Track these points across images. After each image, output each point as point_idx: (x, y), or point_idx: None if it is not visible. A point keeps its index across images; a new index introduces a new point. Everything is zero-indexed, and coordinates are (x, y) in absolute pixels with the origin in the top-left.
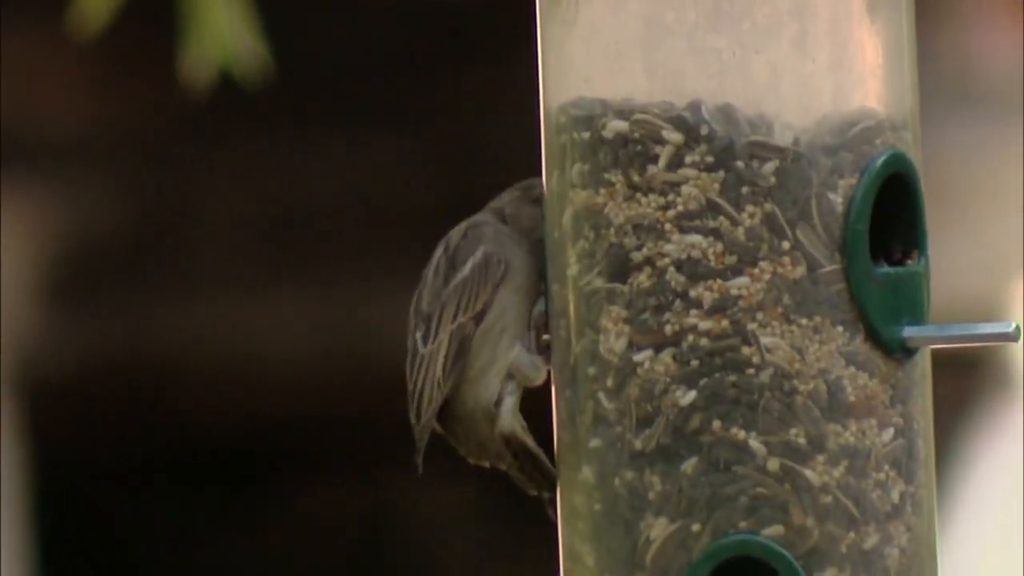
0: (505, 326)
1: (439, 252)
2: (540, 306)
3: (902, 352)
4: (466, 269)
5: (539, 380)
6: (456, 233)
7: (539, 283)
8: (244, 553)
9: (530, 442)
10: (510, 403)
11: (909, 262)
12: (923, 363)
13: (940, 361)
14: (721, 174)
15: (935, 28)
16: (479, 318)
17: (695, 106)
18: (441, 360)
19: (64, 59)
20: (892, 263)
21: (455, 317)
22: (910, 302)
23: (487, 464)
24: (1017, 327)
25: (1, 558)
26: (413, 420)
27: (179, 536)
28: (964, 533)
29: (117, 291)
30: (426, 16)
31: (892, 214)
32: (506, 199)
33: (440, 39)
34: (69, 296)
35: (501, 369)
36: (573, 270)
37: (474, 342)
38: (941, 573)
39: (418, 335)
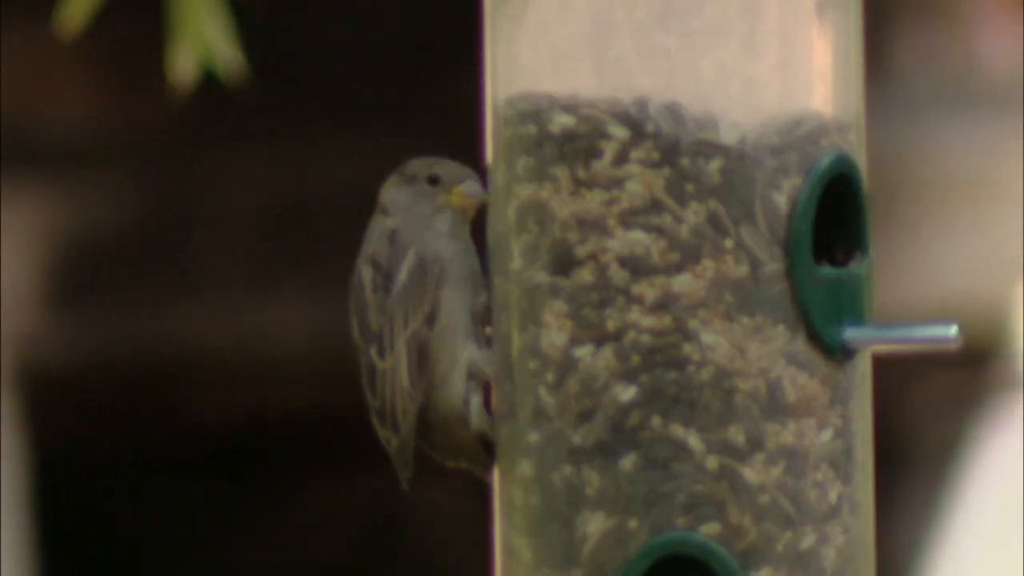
0: (456, 325)
1: (368, 272)
2: (482, 298)
3: (843, 353)
4: (403, 276)
5: (495, 375)
6: (379, 247)
7: (476, 272)
8: (244, 550)
9: None
10: (476, 402)
11: (852, 264)
12: (863, 364)
13: (944, 358)
14: (666, 171)
15: (937, 27)
16: (430, 321)
17: (642, 103)
18: (404, 370)
19: (67, 59)
20: (835, 264)
21: (407, 324)
22: (852, 303)
23: (464, 466)
24: (957, 331)
25: (1, 553)
26: (388, 436)
27: (179, 532)
28: (967, 529)
29: (118, 288)
30: (425, 14)
31: (836, 215)
32: (384, 193)
33: (439, 34)
34: (69, 293)
35: (462, 368)
36: (516, 264)
37: (432, 346)
38: (944, 567)
39: (372, 351)
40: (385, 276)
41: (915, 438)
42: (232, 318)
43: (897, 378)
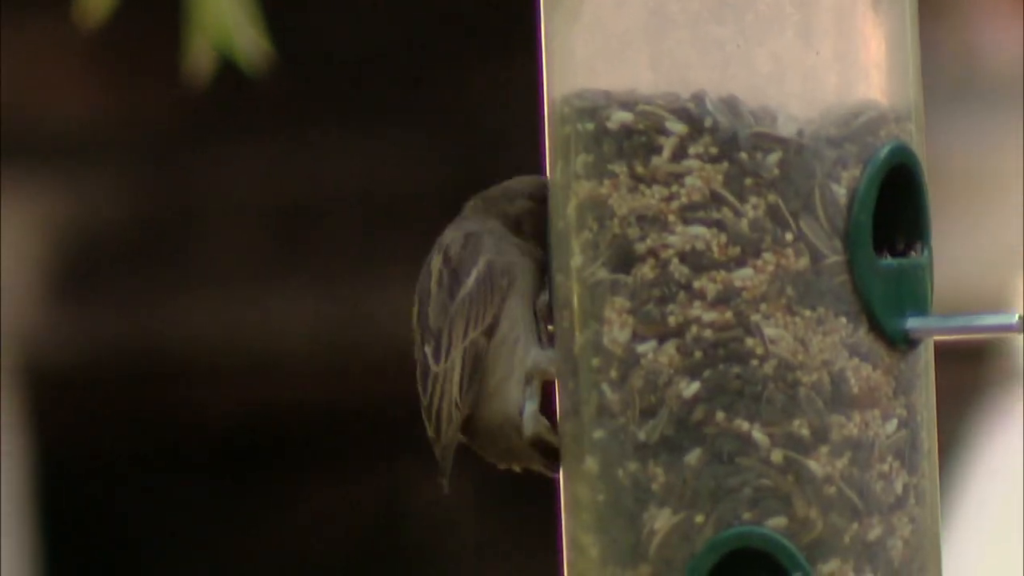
0: (518, 336)
1: (438, 262)
2: (544, 296)
3: (905, 343)
4: (471, 282)
5: (557, 373)
6: (455, 243)
7: (543, 282)
8: (247, 546)
9: (555, 440)
10: (531, 408)
11: (912, 254)
12: (926, 355)
13: (944, 352)
14: (725, 165)
15: (937, 20)
16: (490, 332)
17: (699, 97)
18: (456, 379)
19: (68, 52)
20: (895, 255)
21: (466, 334)
22: (913, 293)
23: (517, 468)
24: (1020, 318)
25: (3, 551)
26: (432, 436)
27: (181, 529)
28: (967, 524)
29: (121, 283)
30: (431, 8)
31: (895, 206)
32: (519, 206)
33: (445, 31)
34: (73, 287)
35: (519, 378)
36: (577, 261)
37: (489, 357)
38: (945, 565)
39: (427, 350)
40: (452, 275)
41: None
42: (235, 314)
43: None
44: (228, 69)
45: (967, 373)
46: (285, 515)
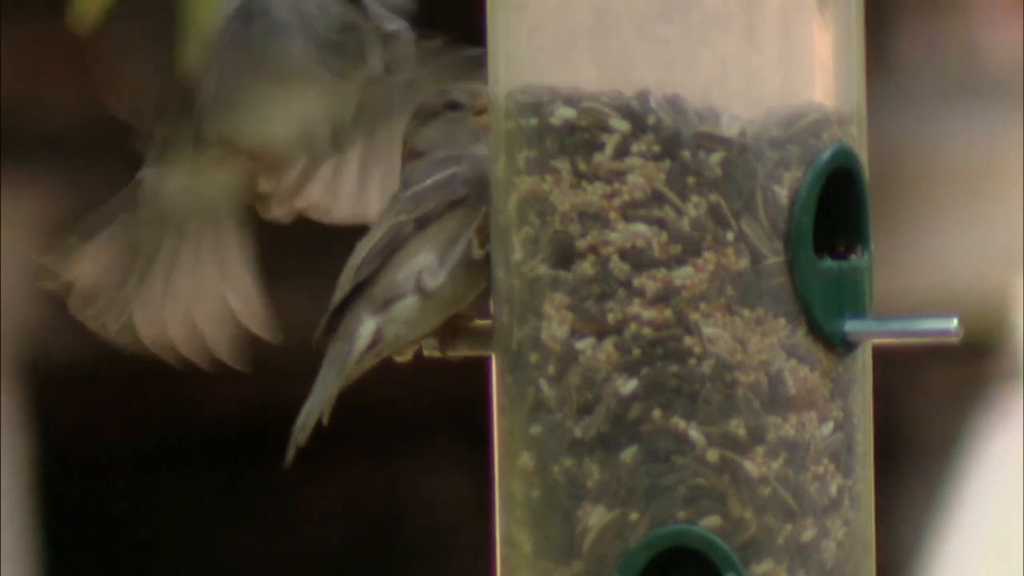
0: (437, 241)
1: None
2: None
3: (843, 346)
4: (427, 183)
5: (432, 287)
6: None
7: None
8: (247, 541)
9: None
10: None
11: (853, 257)
12: (864, 357)
13: (944, 351)
14: (667, 164)
15: (938, 19)
16: (422, 223)
17: (643, 96)
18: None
19: (66, 52)
20: (836, 257)
21: (398, 215)
22: (852, 296)
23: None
24: (957, 324)
25: (3, 546)
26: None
27: (182, 524)
28: (967, 522)
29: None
30: (428, 9)
31: (837, 208)
32: (411, 138)
33: (443, 30)
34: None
35: (412, 268)
36: (517, 256)
37: (409, 243)
38: (945, 560)
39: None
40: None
41: (915, 431)
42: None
43: (897, 371)
44: None
45: (967, 371)
46: (284, 512)
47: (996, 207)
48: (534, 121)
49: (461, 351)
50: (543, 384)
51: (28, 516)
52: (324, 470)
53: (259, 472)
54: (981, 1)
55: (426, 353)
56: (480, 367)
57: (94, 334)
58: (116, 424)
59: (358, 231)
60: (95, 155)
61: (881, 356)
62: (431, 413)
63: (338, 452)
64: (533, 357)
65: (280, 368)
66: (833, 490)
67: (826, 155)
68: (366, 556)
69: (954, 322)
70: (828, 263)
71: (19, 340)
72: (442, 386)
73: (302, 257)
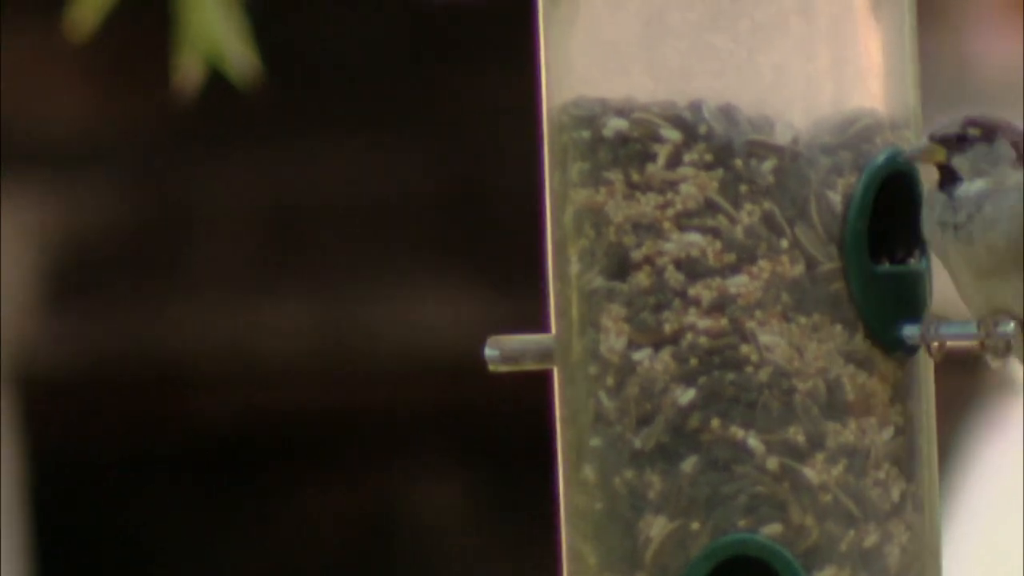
0: None
1: None
2: None
3: (902, 351)
4: None
5: None
6: None
7: None
8: (241, 550)
9: None
10: None
11: (911, 261)
12: (924, 361)
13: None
14: (720, 172)
15: (930, 29)
16: None
17: (695, 105)
18: None
19: (65, 60)
20: (895, 262)
21: None
22: (910, 301)
23: None
24: (1015, 326)
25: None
26: None
27: (174, 533)
28: (963, 531)
29: (114, 290)
30: (423, 16)
31: (894, 213)
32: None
33: (435, 40)
34: (66, 295)
35: None
36: (574, 268)
37: None
38: (943, 572)
39: None
40: None
41: None
42: (228, 321)
43: None
44: (218, 79)
45: (963, 380)
46: (278, 518)
47: None
48: (587, 134)
49: (524, 365)
50: (602, 396)
51: (21, 526)
52: (317, 481)
53: (251, 483)
54: (972, 12)
55: (491, 368)
56: (469, 377)
57: (87, 345)
58: (108, 435)
59: (349, 240)
60: (90, 166)
61: None
62: (422, 423)
63: (331, 464)
64: (592, 369)
65: (273, 378)
66: (895, 495)
67: (879, 160)
68: (355, 567)
69: (1011, 324)
70: (884, 268)
71: (13, 350)
72: (433, 396)
73: (289, 268)
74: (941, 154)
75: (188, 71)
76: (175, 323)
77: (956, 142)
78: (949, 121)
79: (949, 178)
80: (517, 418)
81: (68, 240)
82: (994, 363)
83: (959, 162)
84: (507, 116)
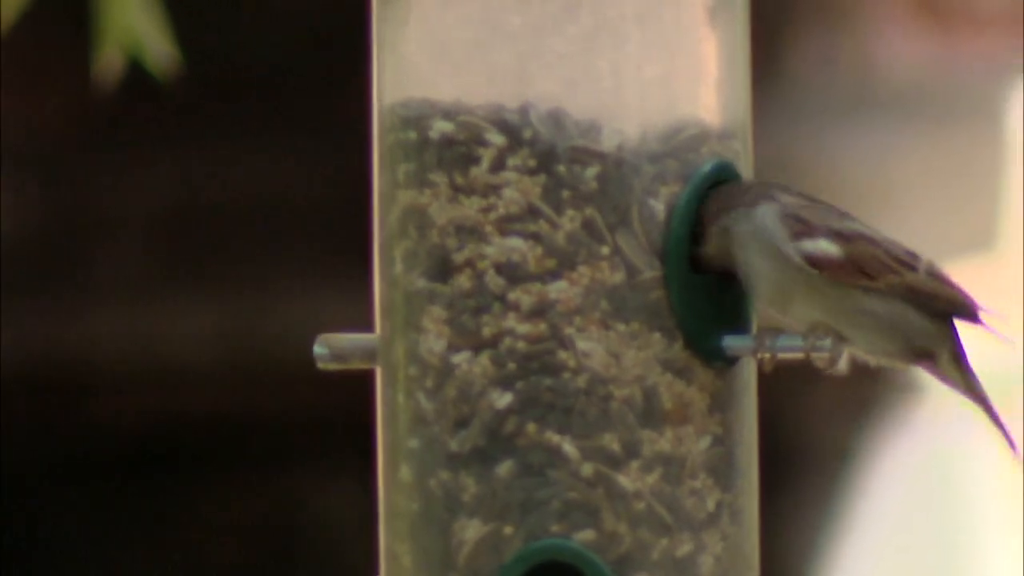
0: None
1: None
2: None
3: (722, 361)
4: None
5: None
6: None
7: None
8: (145, 554)
9: None
10: None
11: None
12: (745, 372)
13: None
14: (543, 178)
15: (834, 33)
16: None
17: (524, 109)
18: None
19: None
20: (718, 272)
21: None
22: (732, 311)
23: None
24: (831, 341)
25: None
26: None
27: (77, 536)
28: (861, 535)
29: (23, 293)
30: (334, 18)
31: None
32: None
33: (347, 40)
34: None
35: None
36: (398, 269)
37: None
38: (837, 573)
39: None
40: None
41: (808, 443)
42: (138, 324)
43: (789, 382)
44: (130, 78)
45: (861, 383)
46: (179, 525)
47: (890, 220)
48: (413, 135)
49: (352, 364)
50: (421, 398)
51: None
52: (226, 485)
53: (156, 486)
54: (874, 15)
55: (320, 367)
56: (369, 380)
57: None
58: (18, 439)
59: (259, 243)
60: (13, 163)
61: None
62: (325, 426)
63: (239, 468)
64: (412, 370)
65: (178, 382)
66: (711, 504)
67: (704, 170)
68: (257, 570)
69: (828, 341)
70: (706, 278)
71: None
72: (336, 399)
73: (193, 270)
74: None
75: (108, 64)
76: (84, 327)
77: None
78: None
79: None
80: None
81: None
82: (832, 371)
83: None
84: None
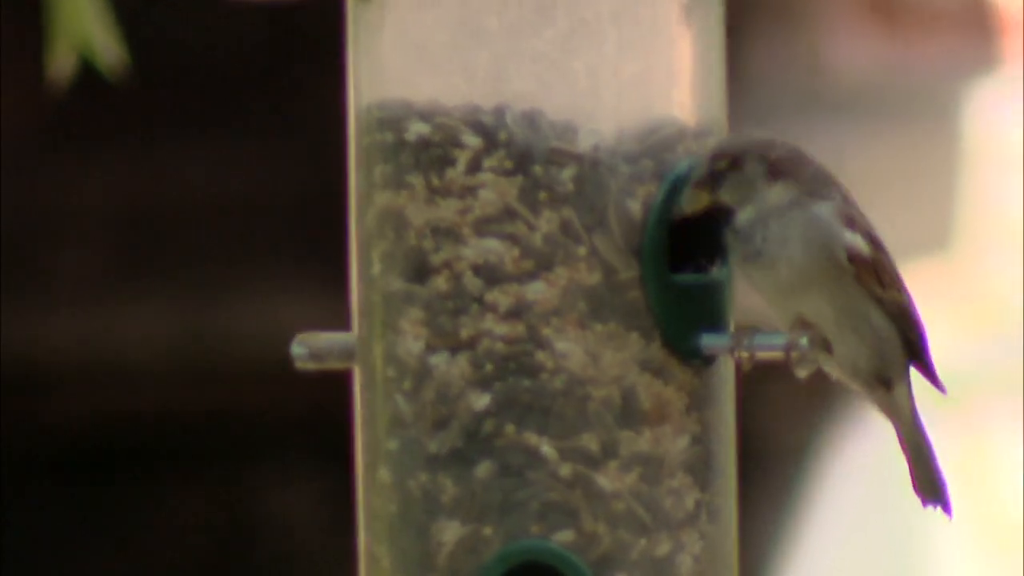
0: None
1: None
2: None
3: (699, 360)
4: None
5: None
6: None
7: None
8: (98, 555)
9: None
10: None
11: (712, 270)
12: (723, 371)
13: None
14: (519, 179)
15: (786, 32)
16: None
17: (499, 111)
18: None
19: None
20: (697, 271)
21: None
22: (709, 310)
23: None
24: (807, 340)
25: None
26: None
27: (35, 537)
28: (822, 531)
29: None
30: (289, 16)
31: (696, 222)
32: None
33: (303, 39)
34: None
35: None
36: (375, 270)
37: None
38: (798, 569)
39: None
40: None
41: (769, 440)
42: (91, 324)
43: (750, 379)
44: (82, 78)
45: (822, 379)
46: (137, 525)
47: None
48: (390, 136)
49: (328, 364)
50: (399, 399)
51: None
52: (179, 485)
53: (110, 487)
54: (828, 16)
55: (298, 366)
56: (334, 379)
57: None
58: None
59: (212, 242)
60: None
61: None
62: (284, 425)
63: (192, 467)
64: (390, 372)
65: (132, 382)
66: (690, 504)
67: (681, 169)
68: (216, 570)
69: (805, 339)
70: (682, 277)
71: None
72: (294, 398)
73: (150, 269)
74: (705, 198)
75: (61, 65)
76: (36, 326)
77: (711, 179)
78: (698, 160)
79: (726, 213)
80: None
81: None
82: (799, 373)
83: (725, 196)
84: None
